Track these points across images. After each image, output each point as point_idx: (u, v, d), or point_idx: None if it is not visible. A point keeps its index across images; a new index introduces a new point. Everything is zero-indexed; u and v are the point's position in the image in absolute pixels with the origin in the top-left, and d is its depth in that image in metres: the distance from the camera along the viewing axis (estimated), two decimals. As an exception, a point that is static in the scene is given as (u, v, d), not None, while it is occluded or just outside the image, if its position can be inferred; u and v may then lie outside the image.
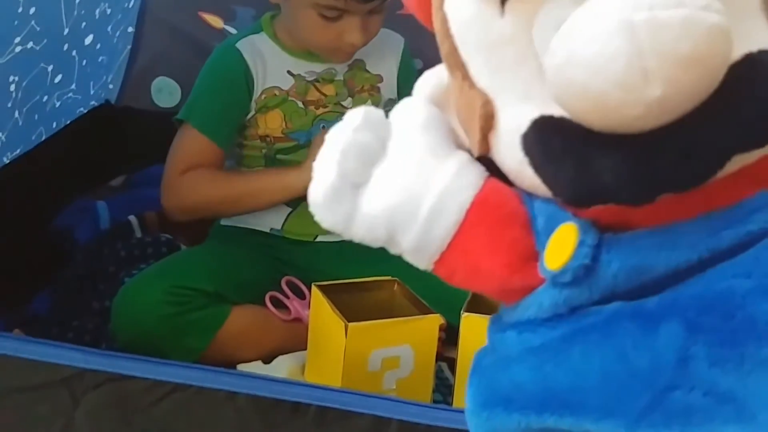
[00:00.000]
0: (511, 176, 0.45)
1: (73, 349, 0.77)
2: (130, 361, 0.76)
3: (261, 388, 0.75)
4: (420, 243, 0.46)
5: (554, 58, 0.37)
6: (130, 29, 1.50)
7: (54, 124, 1.33)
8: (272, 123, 1.17)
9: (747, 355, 0.36)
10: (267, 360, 1.06)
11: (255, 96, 1.15)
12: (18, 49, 1.09)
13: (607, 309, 0.40)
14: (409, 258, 0.47)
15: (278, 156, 1.18)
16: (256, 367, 1.04)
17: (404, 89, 1.25)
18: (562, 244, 0.42)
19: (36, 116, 1.24)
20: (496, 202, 0.46)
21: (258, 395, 0.74)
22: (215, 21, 1.50)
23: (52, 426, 0.74)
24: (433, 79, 0.50)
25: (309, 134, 1.18)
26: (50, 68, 1.22)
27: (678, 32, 0.34)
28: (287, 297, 1.12)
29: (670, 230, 0.40)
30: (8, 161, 1.19)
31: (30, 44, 1.12)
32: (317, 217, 0.48)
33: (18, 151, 1.21)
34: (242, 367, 1.04)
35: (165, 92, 1.55)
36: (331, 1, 1.07)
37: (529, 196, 0.46)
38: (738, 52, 0.38)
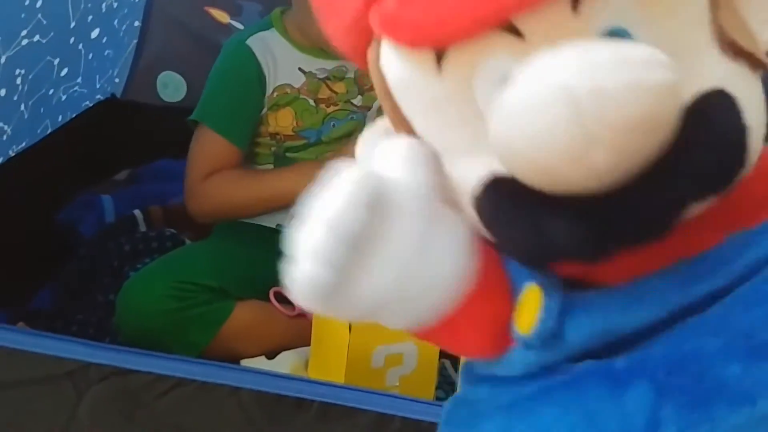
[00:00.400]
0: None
1: (77, 342, 0.77)
2: (134, 355, 0.76)
3: (264, 384, 0.75)
4: (398, 305, 0.43)
5: (496, 127, 0.35)
6: (137, 23, 1.50)
7: (60, 118, 1.33)
8: (283, 121, 1.16)
9: (718, 419, 0.35)
10: (270, 355, 1.06)
11: (267, 93, 1.14)
12: (24, 42, 1.09)
13: (578, 368, 0.39)
14: (387, 322, 0.45)
15: (287, 154, 1.18)
16: (259, 363, 1.04)
17: None
18: (529, 308, 0.41)
19: (42, 109, 1.24)
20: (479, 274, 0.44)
21: (261, 390, 0.74)
22: (221, 16, 1.50)
23: (55, 419, 0.74)
24: (376, 134, 0.46)
25: (319, 132, 1.18)
26: (56, 61, 1.22)
27: (621, 98, 0.33)
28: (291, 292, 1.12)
29: (637, 288, 0.39)
30: (14, 154, 1.19)
31: (36, 37, 1.12)
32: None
33: (23, 144, 1.21)
34: (245, 363, 1.04)
35: (170, 87, 1.55)
36: None
37: None
38: (689, 92, 0.36)
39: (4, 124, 1.14)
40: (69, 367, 0.74)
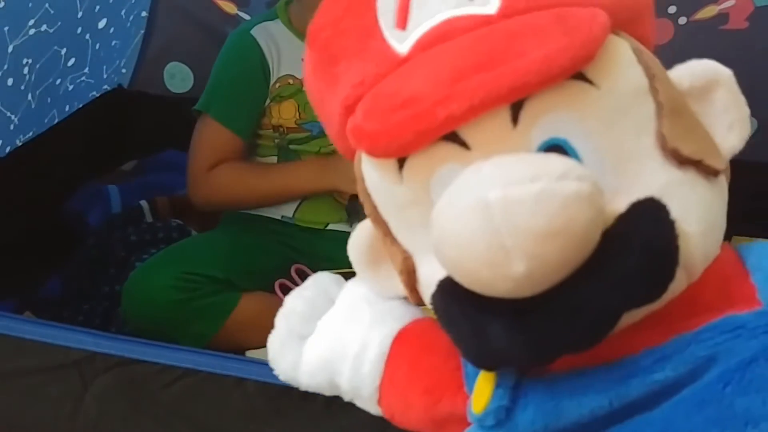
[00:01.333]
0: None
1: (84, 332, 0.77)
2: (140, 345, 0.76)
3: (270, 375, 0.75)
4: (354, 382, 0.51)
5: (431, 235, 0.38)
6: (144, 14, 1.50)
7: (67, 108, 1.33)
8: (286, 113, 1.16)
9: None
10: (276, 347, 1.06)
11: (270, 84, 1.14)
12: (32, 31, 1.09)
13: None
14: (357, 403, 0.53)
15: (291, 146, 1.18)
16: (264, 354, 1.04)
17: None
18: (483, 389, 0.43)
19: (49, 99, 1.24)
20: (416, 333, 0.49)
21: (267, 382, 0.74)
22: (229, 6, 1.50)
23: (61, 408, 0.75)
24: (366, 230, 0.51)
25: (322, 125, 1.17)
26: (63, 51, 1.22)
27: (531, 208, 0.34)
28: (296, 285, 1.12)
29: (582, 376, 0.40)
30: (21, 143, 1.19)
31: (44, 27, 1.11)
32: (273, 367, 0.57)
33: (30, 133, 1.22)
34: (251, 354, 1.04)
35: (177, 77, 1.54)
36: None
37: None
38: (627, 201, 0.37)
39: (12, 113, 1.14)
40: (75, 357, 0.74)
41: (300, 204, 1.19)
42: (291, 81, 1.15)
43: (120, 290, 1.05)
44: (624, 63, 0.40)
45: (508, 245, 0.35)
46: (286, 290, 1.11)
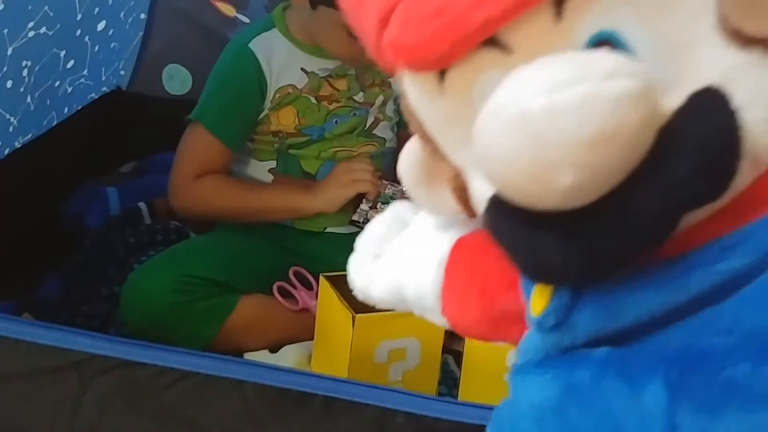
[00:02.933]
0: None
1: (82, 334, 0.77)
2: (138, 347, 0.76)
3: (268, 377, 0.75)
4: (418, 292, 0.51)
5: (475, 152, 0.35)
6: (143, 16, 1.50)
7: (66, 110, 1.33)
8: (285, 119, 1.16)
9: (730, 425, 0.34)
10: (274, 349, 1.07)
11: (269, 97, 1.14)
12: (31, 34, 1.09)
13: (596, 357, 0.39)
14: (424, 316, 0.52)
15: (290, 150, 1.18)
16: (262, 356, 1.05)
17: None
18: (542, 292, 0.42)
19: (48, 101, 1.24)
20: (473, 239, 0.48)
21: (265, 384, 0.74)
22: (228, 9, 1.50)
23: (60, 410, 0.75)
24: (414, 148, 0.48)
25: (322, 129, 1.18)
26: (63, 53, 1.22)
27: (577, 114, 0.32)
28: (295, 287, 1.12)
29: (642, 273, 0.38)
30: (19, 146, 1.19)
31: (43, 29, 1.12)
32: (352, 283, 0.57)
33: (29, 135, 1.22)
34: (249, 356, 1.04)
35: (176, 80, 1.55)
36: None
37: None
38: (684, 94, 0.34)
39: (11, 115, 1.14)
40: (74, 359, 0.74)
41: None
42: (290, 90, 1.15)
43: (118, 292, 1.06)
44: None
45: (555, 157, 0.32)
46: (284, 293, 1.12)
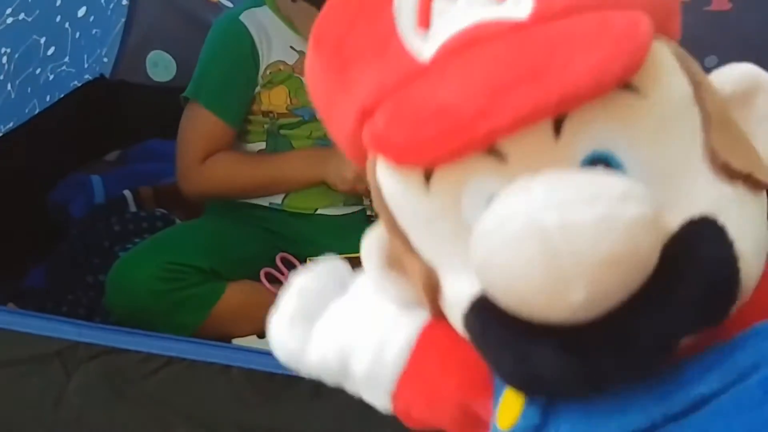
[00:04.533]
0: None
1: (66, 322, 0.76)
2: (123, 334, 0.76)
3: (255, 362, 0.75)
4: (372, 370, 0.47)
5: (475, 254, 0.35)
6: (125, 2, 1.49)
7: (48, 98, 1.31)
8: (276, 99, 1.15)
9: None
10: (262, 335, 1.06)
11: (260, 71, 1.13)
12: (9, 20, 1.08)
13: None
14: (365, 394, 0.49)
15: (282, 131, 1.17)
16: (250, 342, 1.04)
17: None
18: (512, 404, 0.41)
19: (29, 89, 1.22)
20: (445, 329, 0.45)
21: (252, 368, 0.74)
22: (211, -6, 1.48)
23: (44, 398, 0.74)
24: (380, 237, 0.46)
25: (313, 110, 1.16)
26: (43, 40, 1.20)
27: (592, 234, 0.32)
28: (282, 273, 1.12)
29: (621, 395, 0.38)
30: (1, 134, 1.18)
31: (22, 15, 1.10)
32: (273, 346, 0.52)
33: (11, 124, 1.20)
34: (237, 341, 1.03)
35: (160, 66, 1.53)
36: None
37: None
38: (679, 218, 0.36)
39: (-9, 103, 1.13)
40: (57, 347, 0.73)
41: (289, 192, 1.18)
42: (281, 67, 1.14)
43: (104, 280, 1.05)
44: (668, 70, 0.38)
45: (568, 273, 0.33)
46: (271, 279, 1.11)
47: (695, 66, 0.39)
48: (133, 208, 1.26)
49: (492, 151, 0.37)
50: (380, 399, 0.48)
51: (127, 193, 1.28)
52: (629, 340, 0.35)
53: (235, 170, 1.14)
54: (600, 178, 0.34)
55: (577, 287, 0.33)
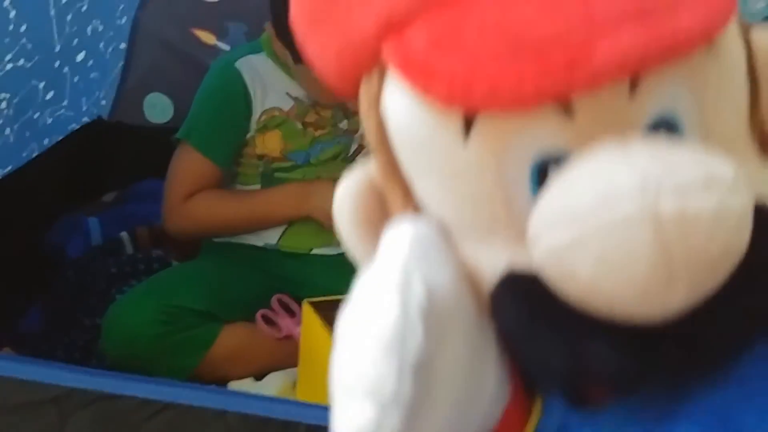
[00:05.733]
0: None
1: (62, 367, 0.76)
2: (118, 379, 0.75)
3: (251, 406, 0.75)
4: None
5: (554, 237, 0.30)
6: (123, 45, 1.51)
7: (46, 141, 1.33)
8: (271, 143, 1.16)
9: None
10: (258, 377, 1.06)
11: (255, 117, 1.15)
12: (9, 66, 1.10)
13: None
14: None
15: (276, 174, 1.18)
16: (247, 385, 1.04)
17: None
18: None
19: (27, 133, 1.24)
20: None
21: (248, 413, 0.73)
22: (207, 37, 1.51)
23: (39, 446, 0.74)
24: (359, 182, 0.38)
25: (307, 154, 1.18)
26: (42, 85, 1.22)
27: (709, 229, 0.28)
28: (278, 314, 1.12)
29: (629, 408, 0.34)
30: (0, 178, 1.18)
31: (21, 61, 1.12)
32: None
33: (9, 167, 1.21)
34: (233, 385, 1.03)
35: (158, 108, 1.55)
36: None
37: None
38: None
39: (-11, 148, 1.14)
40: (53, 393, 0.73)
41: (285, 231, 1.19)
42: (276, 113, 1.16)
43: (100, 322, 1.05)
44: (734, 32, 0.34)
45: (675, 270, 0.28)
46: (267, 320, 1.11)
47: (746, 31, 0.35)
48: (129, 249, 1.27)
49: (562, 103, 0.31)
50: None
51: (123, 234, 1.29)
52: (701, 340, 0.31)
53: (218, 207, 1.15)
54: (701, 155, 0.30)
55: (680, 287, 0.29)
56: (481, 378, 0.34)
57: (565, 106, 0.31)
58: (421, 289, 0.31)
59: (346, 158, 1.21)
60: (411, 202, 0.35)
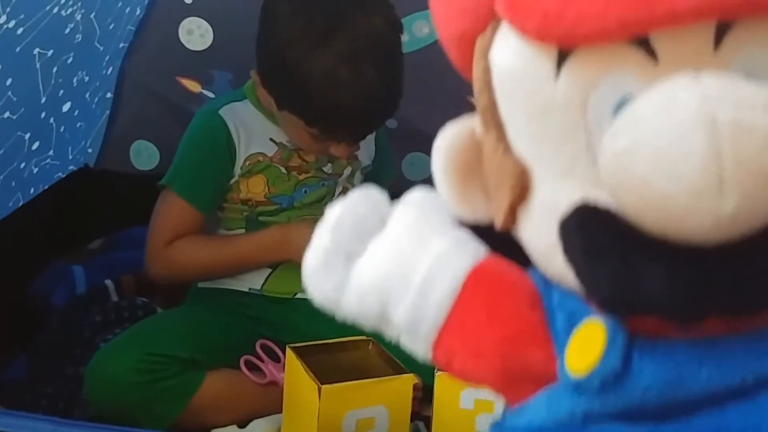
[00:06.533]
0: (535, 258, 0.40)
1: (43, 419, 0.76)
2: (99, 430, 0.75)
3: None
4: (413, 316, 0.42)
5: (616, 142, 0.32)
6: (109, 95, 1.53)
7: (32, 190, 1.33)
8: (255, 187, 1.18)
9: None
10: (242, 424, 1.06)
11: (239, 163, 1.16)
12: (-6, 118, 1.11)
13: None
14: (405, 340, 0.44)
15: (260, 218, 1.19)
16: (230, 432, 1.03)
17: (379, 152, 1.27)
18: (588, 345, 0.37)
19: (13, 183, 1.25)
20: (494, 273, 0.42)
21: (229, 462, 0.73)
22: (193, 85, 1.53)
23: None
24: (459, 133, 0.42)
25: (291, 198, 1.20)
26: (27, 136, 1.23)
27: (763, 143, 0.30)
28: (262, 360, 1.12)
29: (714, 345, 0.35)
30: (-16, 228, 1.19)
31: (6, 114, 1.13)
32: (309, 288, 0.46)
33: (-6, 218, 1.22)
34: (217, 432, 1.03)
35: (144, 155, 1.56)
36: (325, 135, 1.09)
37: (547, 284, 0.41)
38: None
39: (-26, 199, 1.14)
40: (33, 446, 0.73)
41: (268, 277, 1.19)
42: (260, 158, 1.17)
43: (84, 372, 1.04)
44: None
45: (727, 176, 0.30)
46: (251, 366, 1.11)
47: None
48: (114, 297, 1.27)
49: (644, 46, 0.33)
50: (420, 347, 0.44)
51: (108, 282, 1.29)
52: (753, 273, 0.32)
53: (199, 252, 1.16)
54: None
55: (730, 194, 0.30)
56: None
57: (650, 50, 0.33)
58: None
59: (331, 201, 1.22)
60: (503, 143, 0.39)
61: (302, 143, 1.15)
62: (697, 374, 0.35)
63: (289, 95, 1.08)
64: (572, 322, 0.39)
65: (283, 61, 1.05)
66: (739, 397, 0.34)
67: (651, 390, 0.35)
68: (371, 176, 1.26)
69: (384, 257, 0.44)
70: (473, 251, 0.43)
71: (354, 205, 0.46)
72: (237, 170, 1.17)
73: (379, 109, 1.08)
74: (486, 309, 0.42)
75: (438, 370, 0.92)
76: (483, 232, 0.44)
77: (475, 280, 0.42)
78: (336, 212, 0.46)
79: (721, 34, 0.33)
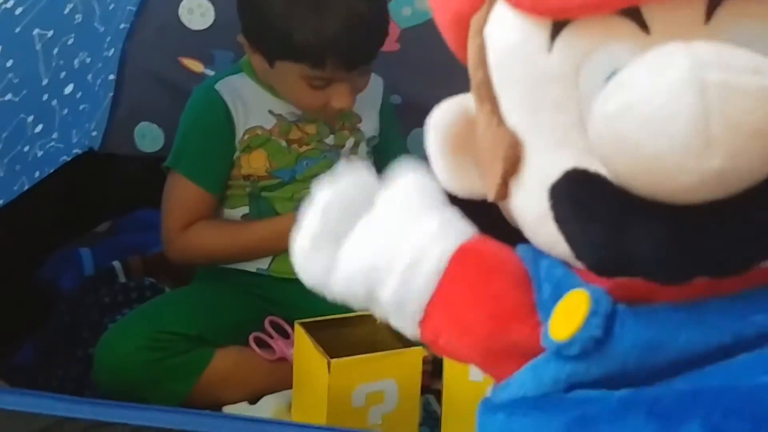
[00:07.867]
0: (526, 230, 0.41)
1: (51, 397, 0.76)
2: (109, 407, 0.75)
3: (246, 430, 0.74)
4: (400, 296, 0.44)
5: (606, 106, 0.33)
6: (111, 77, 1.52)
7: (37, 174, 1.33)
8: (256, 163, 1.17)
9: None
10: (253, 400, 1.06)
11: (238, 137, 1.16)
12: (-4, 101, 1.10)
13: (616, 397, 0.36)
14: (393, 319, 0.46)
15: (263, 193, 1.18)
16: (241, 408, 1.03)
17: (386, 126, 1.26)
18: (571, 313, 0.38)
19: (18, 167, 1.24)
20: (481, 252, 0.43)
21: (241, 437, 0.73)
22: (195, 65, 1.52)
23: (31, 477, 0.73)
24: (452, 110, 0.44)
25: (293, 171, 1.19)
26: (30, 119, 1.23)
27: (749, 101, 0.31)
28: (271, 337, 1.12)
29: (695, 307, 0.36)
30: (-10, 213, 1.19)
31: (8, 96, 1.13)
32: (297, 268, 0.48)
33: (0, 202, 1.21)
34: (228, 409, 1.03)
35: (148, 137, 1.56)
36: (318, 72, 1.07)
37: (535, 257, 0.42)
38: None
39: (-21, 183, 1.14)
40: (42, 424, 0.72)
41: (274, 258, 1.19)
42: (259, 132, 1.16)
43: (93, 353, 1.04)
44: None
45: (713, 134, 0.31)
46: (260, 343, 1.11)
47: None
48: (122, 278, 1.27)
49: (636, 17, 0.34)
50: (408, 326, 0.45)
51: (116, 263, 1.29)
52: (739, 233, 0.33)
53: (216, 238, 1.16)
54: (761, 57, 0.33)
55: (717, 152, 0.31)
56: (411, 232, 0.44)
57: (641, 22, 0.34)
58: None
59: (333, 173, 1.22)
60: (496, 117, 0.40)
61: (302, 99, 1.12)
62: (676, 337, 0.36)
63: (275, 38, 1.06)
64: (558, 293, 0.40)
65: (263, 2, 1.05)
66: (721, 359, 0.35)
67: (631, 353, 0.36)
68: (379, 150, 1.24)
69: (371, 238, 0.45)
70: (460, 231, 0.44)
71: (343, 188, 0.47)
72: (237, 145, 1.16)
73: (365, 30, 1.06)
74: (472, 287, 0.43)
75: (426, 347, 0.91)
76: (474, 209, 0.45)
77: (461, 260, 0.43)
78: (325, 195, 0.47)
79: (712, 6, 0.34)
